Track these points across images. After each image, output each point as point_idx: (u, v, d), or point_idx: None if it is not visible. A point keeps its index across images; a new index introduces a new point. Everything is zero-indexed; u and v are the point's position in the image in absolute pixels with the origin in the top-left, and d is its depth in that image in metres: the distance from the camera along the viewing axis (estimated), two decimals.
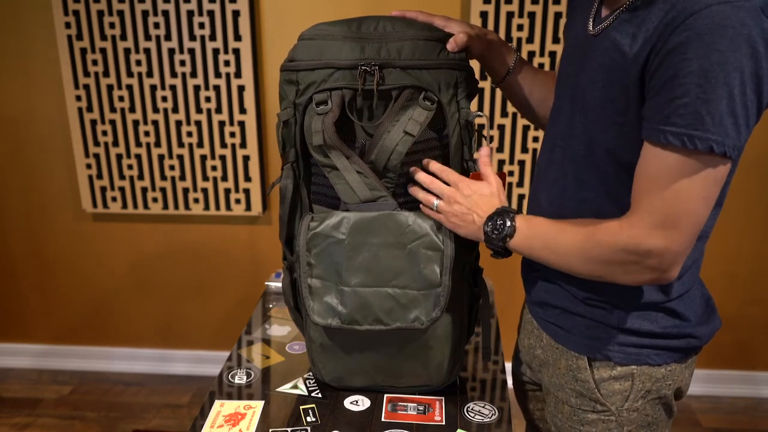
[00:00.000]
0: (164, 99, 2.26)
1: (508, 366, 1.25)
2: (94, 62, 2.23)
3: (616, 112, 0.88)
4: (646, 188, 0.84)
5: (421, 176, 1.03)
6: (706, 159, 0.79)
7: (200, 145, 2.31)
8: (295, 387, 1.19)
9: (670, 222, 0.83)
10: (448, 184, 1.02)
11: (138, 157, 2.34)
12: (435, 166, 1.03)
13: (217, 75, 2.22)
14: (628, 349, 0.99)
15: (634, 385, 1.00)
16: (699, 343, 1.01)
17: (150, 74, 2.23)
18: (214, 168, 2.34)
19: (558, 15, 2.09)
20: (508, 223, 0.96)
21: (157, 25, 2.17)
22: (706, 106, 0.76)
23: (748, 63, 0.75)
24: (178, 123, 2.29)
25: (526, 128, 2.22)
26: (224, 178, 2.35)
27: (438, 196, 1.02)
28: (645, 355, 0.99)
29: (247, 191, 2.36)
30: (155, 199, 2.39)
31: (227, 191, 2.36)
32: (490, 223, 0.97)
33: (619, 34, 0.87)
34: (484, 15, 2.11)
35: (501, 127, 2.23)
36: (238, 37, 2.17)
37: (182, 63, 2.21)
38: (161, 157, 2.33)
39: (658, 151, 0.82)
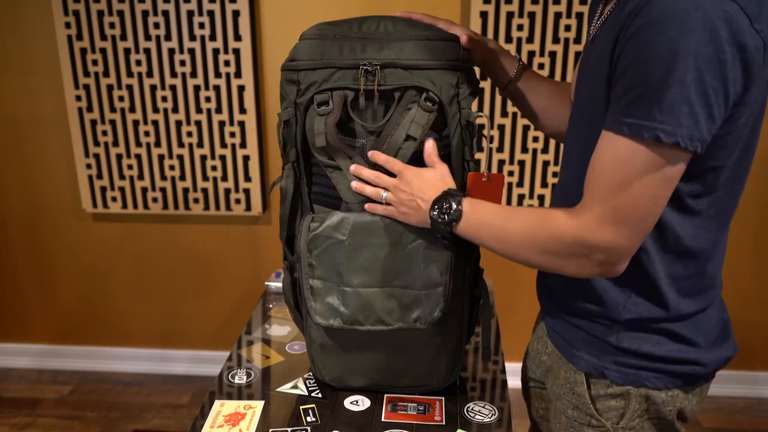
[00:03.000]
0: (164, 99, 2.26)
1: (509, 366, 1.25)
2: (94, 62, 2.23)
3: (600, 111, 0.86)
4: (598, 179, 0.82)
5: (366, 173, 1.01)
6: (657, 151, 0.77)
7: (200, 145, 2.31)
8: (295, 387, 1.19)
9: (618, 217, 0.80)
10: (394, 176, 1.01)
11: (138, 157, 2.34)
12: (380, 157, 1.00)
13: (217, 75, 2.22)
14: (625, 370, 0.95)
15: (630, 405, 0.96)
16: (704, 371, 0.95)
17: (150, 74, 2.23)
18: (214, 168, 2.34)
19: (558, 15, 2.09)
20: (454, 207, 0.93)
21: (157, 25, 2.17)
22: (656, 95, 0.74)
23: (704, 47, 0.72)
24: (178, 123, 2.29)
25: (526, 128, 2.22)
26: (224, 178, 2.35)
27: (386, 189, 1.01)
28: (643, 378, 0.94)
29: (247, 191, 2.36)
30: (155, 199, 2.39)
31: (227, 191, 2.36)
32: (435, 207, 0.95)
33: (603, 34, 0.87)
34: (484, 15, 2.10)
35: (501, 127, 2.23)
36: (238, 37, 2.17)
37: (182, 63, 2.21)
38: (161, 157, 2.33)
39: (611, 142, 0.80)
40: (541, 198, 2.30)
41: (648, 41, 0.74)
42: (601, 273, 0.86)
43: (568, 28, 2.10)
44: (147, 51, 2.20)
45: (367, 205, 1.03)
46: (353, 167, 1.02)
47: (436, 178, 0.99)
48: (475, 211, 0.94)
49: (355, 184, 1.03)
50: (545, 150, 2.24)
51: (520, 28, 2.11)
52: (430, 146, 1.01)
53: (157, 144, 2.32)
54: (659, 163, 0.78)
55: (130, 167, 2.35)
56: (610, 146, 0.80)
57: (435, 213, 0.95)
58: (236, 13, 2.14)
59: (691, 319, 0.94)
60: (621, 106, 0.78)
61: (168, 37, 2.18)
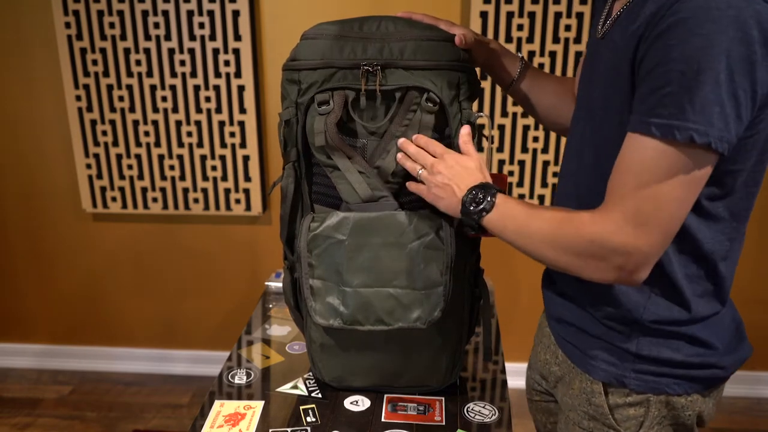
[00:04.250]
0: (164, 99, 2.26)
1: (509, 366, 1.25)
2: (94, 62, 2.23)
3: (617, 112, 0.85)
4: (621, 181, 0.80)
5: (410, 148, 1.01)
6: (686, 151, 0.75)
7: (200, 145, 2.31)
8: (295, 387, 1.19)
9: (641, 219, 0.78)
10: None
11: (138, 157, 2.34)
12: (422, 139, 1.00)
13: (217, 75, 2.22)
14: (645, 377, 0.94)
15: (649, 412, 0.95)
16: (724, 374, 0.95)
17: (150, 74, 2.23)
18: (214, 168, 2.34)
19: (558, 15, 2.09)
20: (489, 198, 0.92)
21: (157, 25, 2.17)
22: (688, 94, 0.72)
23: (737, 47, 0.70)
24: (178, 123, 2.28)
25: (526, 128, 2.22)
26: (224, 178, 2.35)
27: (423, 167, 1.00)
28: (664, 384, 0.93)
29: (247, 191, 2.36)
30: (155, 199, 2.39)
31: (227, 191, 2.36)
32: (470, 195, 0.94)
33: (617, 33, 0.85)
34: (484, 15, 2.10)
35: (501, 127, 2.23)
36: (238, 37, 2.17)
37: (182, 63, 2.21)
38: (161, 157, 2.33)
39: (638, 143, 0.77)
40: (541, 198, 2.29)
41: (679, 40, 0.72)
42: (618, 278, 0.83)
43: (568, 28, 2.10)
44: (147, 51, 2.20)
45: (408, 183, 1.03)
46: (401, 141, 1.01)
47: (476, 168, 0.98)
48: (505, 206, 0.92)
49: (399, 155, 1.02)
50: (545, 150, 2.24)
51: (520, 28, 2.11)
52: (466, 133, 1.01)
53: (157, 144, 2.32)
54: (687, 164, 0.76)
55: (130, 167, 2.35)
56: (635, 147, 0.78)
57: (468, 199, 0.94)
58: (236, 13, 2.14)
59: (708, 321, 0.92)
60: (647, 107, 0.76)
61: (168, 37, 2.18)
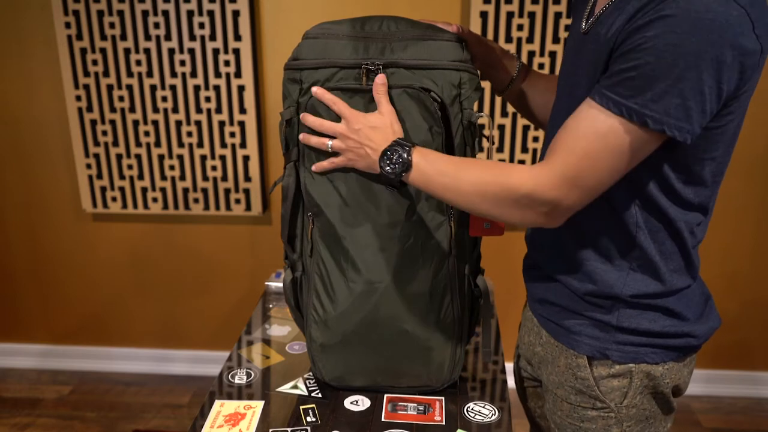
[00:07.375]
0: (164, 99, 2.26)
1: (509, 366, 1.26)
2: (94, 62, 2.23)
3: None
4: (569, 144, 0.85)
5: (309, 120, 1.01)
6: (636, 132, 0.81)
7: (200, 145, 2.31)
8: (295, 387, 1.19)
9: (577, 181, 0.85)
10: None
11: (138, 157, 2.34)
12: (326, 95, 0.99)
13: (217, 75, 2.22)
14: (626, 348, 1.00)
15: (632, 383, 1.00)
16: (696, 342, 1.01)
17: (150, 74, 2.23)
18: (214, 168, 2.34)
19: (558, 15, 2.09)
20: (405, 157, 0.94)
21: (157, 25, 2.17)
22: (651, 83, 0.78)
23: (708, 49, 0.76)
24: (178, 123, 2.29)
25: (526, 128, 2.22)
26: (224, 178, 2.35)
27: (331, 137, 1.01)
28: (643, 354, 0.99)
29: (247, 191, 2.36)
30: (155, 199, 2.39)
31: (227, 191, 2.36)
32: (385, 158, 0.96)
33: (602, 27, 0.89)
34: (484, 15, 2.11)
35: (501, 127, 2.23)
36: (238, 37, 2.17)
37: (182, 63, 2.21)
38: (161, 157, 2.33)
39: (594, 113, 0.83)
40: None
41: (655, 34, 0.78)
42: (540, 223, 0.91)
43: (568, 28, 2.10)
44: (147, 51, 2.20)
45: (314, 166, 1.04)
46: (302, 114, 1.01)
47: (385, 124, 0.98)
48: (426, 161, 0.94)
49: (301, 136, 1.03)
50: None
51: (520, 28, 2.11)
52: (381, 83, 0.98)
53: (157, 144, 2.32)
54: (633, 142, 0.83)
55: (130, 167, 2.35)
56: (590, 116, 0.84)
57: (384, 163, 0.96)
58: (236, 13, 2.14)
59: (680, 294, 0.99)
60: (611, 82, 0.82)
61: (168, 37, 2.18)
